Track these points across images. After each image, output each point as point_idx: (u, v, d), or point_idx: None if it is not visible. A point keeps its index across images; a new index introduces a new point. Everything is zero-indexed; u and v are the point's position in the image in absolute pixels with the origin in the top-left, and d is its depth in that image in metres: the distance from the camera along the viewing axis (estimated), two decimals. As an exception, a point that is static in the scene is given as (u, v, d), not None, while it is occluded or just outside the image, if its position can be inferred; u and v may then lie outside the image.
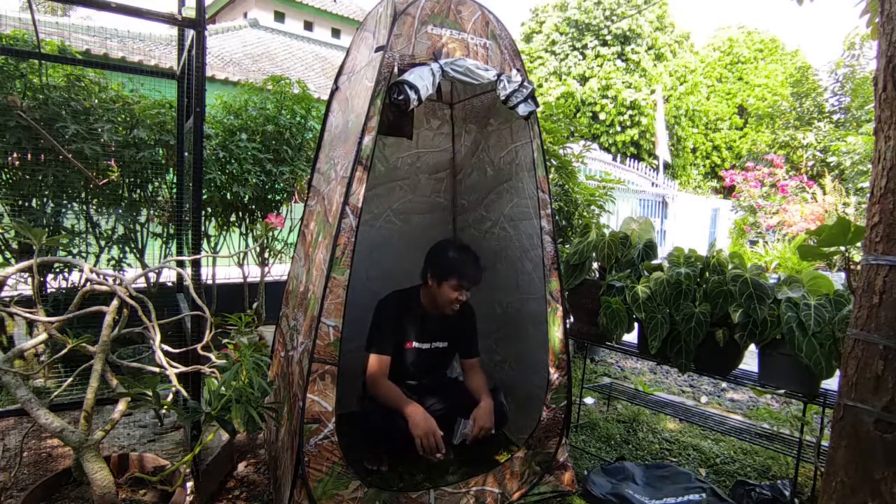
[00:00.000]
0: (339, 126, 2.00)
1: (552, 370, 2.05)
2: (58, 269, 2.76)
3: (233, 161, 3.22)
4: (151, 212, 3.03)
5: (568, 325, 2.26)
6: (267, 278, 3.80)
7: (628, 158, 14.02)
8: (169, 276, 3.14)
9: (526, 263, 2.27)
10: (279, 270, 3.88)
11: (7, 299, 2.14)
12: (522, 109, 1.91)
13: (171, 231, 3.00)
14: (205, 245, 3.50)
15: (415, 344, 2.26)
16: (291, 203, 3.69)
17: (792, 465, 2.32)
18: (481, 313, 2.41)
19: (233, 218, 3.55)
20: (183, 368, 1.37)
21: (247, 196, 3.28)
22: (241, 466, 2.17)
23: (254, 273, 3.80)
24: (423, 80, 1.69)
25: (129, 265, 3.06)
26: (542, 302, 2.09)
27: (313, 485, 1.65)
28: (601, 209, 3.86)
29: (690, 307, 2.16)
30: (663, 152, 10.78)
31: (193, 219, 1.79)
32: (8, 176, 2.64)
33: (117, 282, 1.42)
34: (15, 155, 2.55)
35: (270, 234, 3.53)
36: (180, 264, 1.96)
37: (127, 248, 3.03)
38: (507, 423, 2.22)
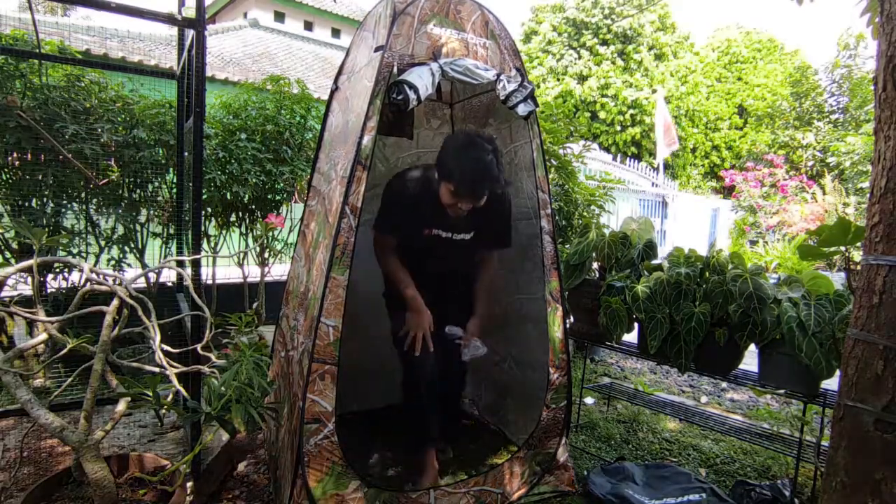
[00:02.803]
0: (339, 126, 2.00)
1: (552, 370, 2.05)
2: (58, 269, 2.76)
3: (233, 161, 3.22)
4: (151, 212, 3.04)
5: (568, 325, 2.26)
6: (267, 278, 3.80)
7: (628, 158, 14.03)
8: (169, 276, 3.14)
9: (526, 263, 2.27)
10: (279, 270, 3.88)
11: (7, 299, 2.14)
12: (522, 109, 1.91)
13: (171, 231, 3.00)
14: (205, 245, 3.50)
15: (435, 231, 2.01)
16: (291, 203, 3.69)
17: (792, 465, 2.32)
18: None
19: (233, 218, 3.55)
20: (183, 368, 1.37)
21: (247, 196, 3.28)
22: (241, 466, 2.17)
23: (254, 273, 3.80)
24: (422, 79, 1.69)
25: (129, 265, 3.06)
26: (542, 302, 2.09)
27: (313, 485, 1.65)
28: (601, 209, 3.86)
29: (690, 307, 2.16)
30: (661, 153, 10.78)
31: (193, 219, 1.79)
32: (8, 176, 2.64)
33: (117, 282, 1.42)
34: (15, 155, 2.55)
35: (270, 234, 3.53)
36: (180, 264, 1.96)
37: (127, 248, 3.03)
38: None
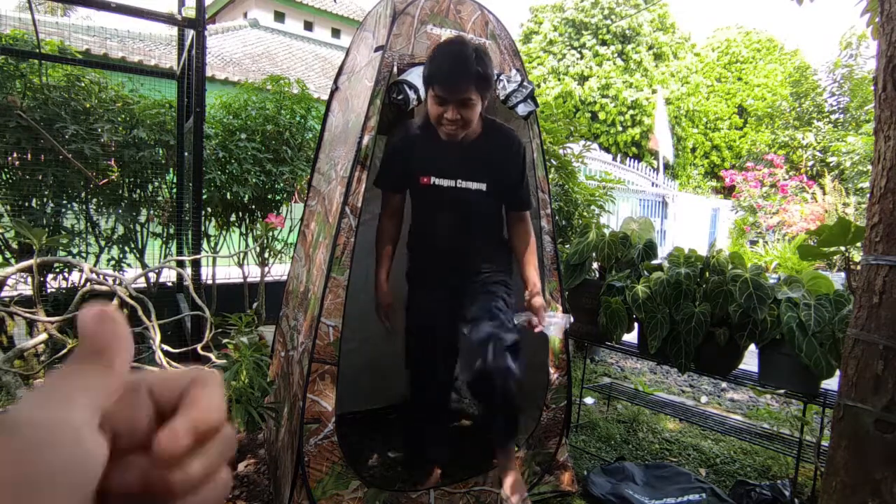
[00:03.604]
0: (339, 126, 2.00)
1: (552, 370, 2.05)
2: (58, 269, 2.76)
3: (233, 161, 3.22)
4: (151, 212, 3.04)
5: (568, 325, 2.26)
6: (267, 278, 3.80)
7: (628, 158, 14.03)
8: (169, 276, 3.14)
9: (526, 263, 2.27)
10: (279, 270, 3.88)
11: (7, 299, 2.14)
12: (522, 109, 1.91)
13: (171, 231, 3.00)
14: (205, 245, 3.50)
15: (434, 180, 1.74)
16: (291, 203, 3.69)
17: (792, 465, 2.32)
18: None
19: (233, 218, 3.55)
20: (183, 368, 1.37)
21: (247, 196, 3.28)
22: (241, 466, 2.17)
23: (254, 273, 3.80)
24: (422, 79, 1.69)
25: (129, 265, 3.06)
26: (542, 302, 2.09)
27: (313, 485, 1.65)
28: (601, 209, 3.86)
29: (690, 307, 2.16)
30: (667, 152, 10.70)
31: (193, 219, 1.79)
32: (8, 176, 2.64)
33: (117, 282, 1.42)
34: (15, 155, 2.55)
35: (270, 233, 3.53)
36: (180, 264, 1.96)
37: (127, 248, 3.03)
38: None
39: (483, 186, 1.75)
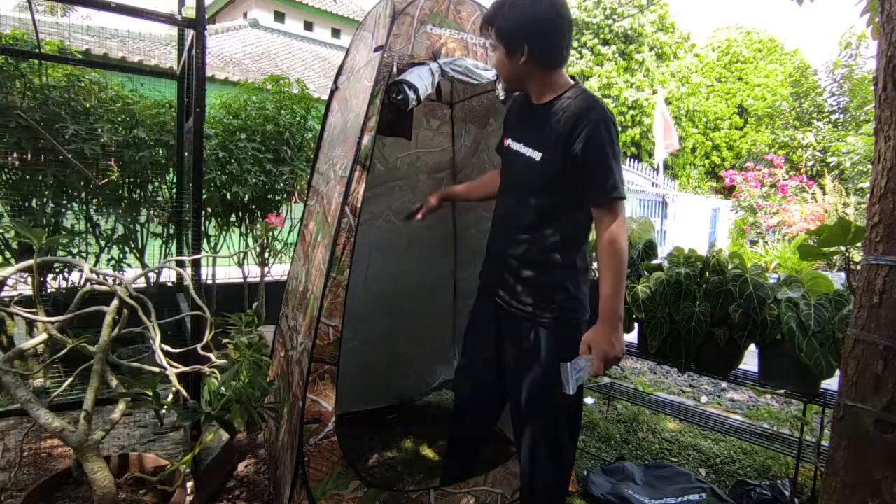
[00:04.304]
0: (339, 126, 2.00)
1: (552, 370, 2.05)
2: (58, 269, 2.76)
3: (233, 161, 3.22)
4: (151, 212, 3.04)
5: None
6: (267, 278, 3.80)
7: (628, 158, 14.02)
8: (169, 276, 3.14)
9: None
10: (279, 270, 3.88)
11: (7, 299, 2.14)
12: (522, 109, 1.90)
13: (171, 231, 3.00)
14: (205, 245, 3.50)
15: (509, 142, 1.58)
16: (291, 203, 3.69)
17: (792, 465, 2.32)
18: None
19: (233, 218, 3.55)
20: (183, 368, 1.37)
21: (247, 196, 3.28)
22: (241, 466, 2.17)
23: (254, 273, 3.80)
24: (422, 79, 1.69)
25: (129, 265, 3.06)
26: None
27: (313, 485, 1.65)
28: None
29: (690, 307, 2.16)
30: (660, 154, 10.58)
31: (193, 219, 1.79)
32: (8, 176, 2.64)
33: (117, 282, 1.42)
34: (15, 155, 2.55)
35: (270, 234, 3.54)
36: (180, 264, 1.96)
37: (127, 248, 3.03)
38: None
39: (536, 155, 1.44)
